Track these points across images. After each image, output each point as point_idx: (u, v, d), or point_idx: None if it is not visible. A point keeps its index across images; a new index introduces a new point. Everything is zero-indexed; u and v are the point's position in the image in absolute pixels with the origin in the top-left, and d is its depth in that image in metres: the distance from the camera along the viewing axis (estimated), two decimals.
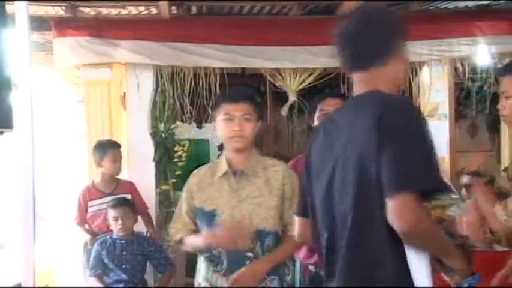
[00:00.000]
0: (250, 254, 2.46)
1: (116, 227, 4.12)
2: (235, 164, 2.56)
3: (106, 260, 4.10)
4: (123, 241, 4.13)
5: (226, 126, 2.52)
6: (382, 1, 5.15)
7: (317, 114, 3.08)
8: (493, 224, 2.19)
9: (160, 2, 4.69)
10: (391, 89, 1.89)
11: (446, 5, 5.32)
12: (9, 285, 3.83)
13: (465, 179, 3.56)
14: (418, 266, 1.69)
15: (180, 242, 2.65)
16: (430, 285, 1.71)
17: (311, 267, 2.87)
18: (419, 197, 1.62)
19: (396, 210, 1.60)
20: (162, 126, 5.22)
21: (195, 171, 2.75)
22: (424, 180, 1.64)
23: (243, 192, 2.52)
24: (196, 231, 2.61)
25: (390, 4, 5.26)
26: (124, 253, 4.12)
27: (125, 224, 4.10)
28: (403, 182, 1.62)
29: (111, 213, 4.14)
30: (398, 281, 1.70)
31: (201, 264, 2.61)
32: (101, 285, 4.05)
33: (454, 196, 4.18)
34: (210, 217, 2.53)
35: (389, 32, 1.93)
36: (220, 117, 2.55)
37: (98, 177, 4.56)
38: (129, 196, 4.46)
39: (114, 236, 4.15)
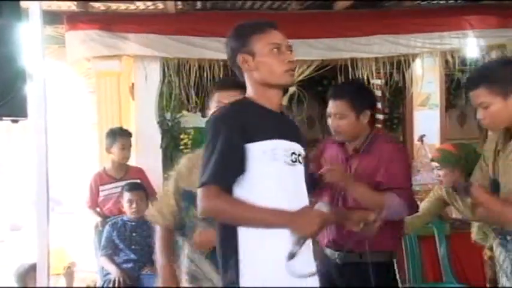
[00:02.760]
0: None
1: (129, 209, 4.13)
2: None
3: (117, 241, 4.11)
4: (133, 223, 4.13)
5: None
6: None
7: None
8: None
9: None
10: (262, 89, 1.97)
11: (438, 0, 5.30)
12: (26, 264, 3.85)
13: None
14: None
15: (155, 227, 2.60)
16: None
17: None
18: (219, 188, 1.85)
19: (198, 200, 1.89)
20: (168, 116, 5.21)
21: (189, 154, 2.70)
22: (213, 177, 1.85)
23: None
24: (176, 213, 2.54)
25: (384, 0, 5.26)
26: (134, 234, 4.13)
27: (139, 208, 4.10)
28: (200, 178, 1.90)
29: (127, 196, 4.14)
30: None
31: (185, 244, 2.56)
32: (111, 265, 4.05)
33: None
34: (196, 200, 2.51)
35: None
36: (213, 105, 2.48)
37: (108, 163, 4.56)
38: (138, 181, 4.46)
39: (125, 218, 4.16)
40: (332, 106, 2.73)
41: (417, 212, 2.75)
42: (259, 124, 1.90)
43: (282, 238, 1.83)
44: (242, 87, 2.43)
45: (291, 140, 1.94)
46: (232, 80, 2.37)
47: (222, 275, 1.93)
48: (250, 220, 1.84)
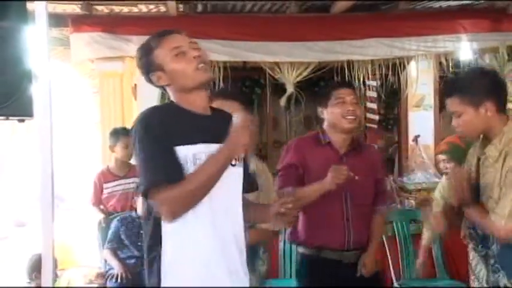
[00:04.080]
0: None
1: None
2: None
3: (123, 236, 4.09)
4: (142, 220, 4.12)
5: None
6: (374, 1, 5.16)
7: (333, 101, 2.74)
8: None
9: (169, 1, 4.67)
10: (183, 96, 1.88)
11: (432, 5, 5.31)
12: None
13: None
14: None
15: None
16: None
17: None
18: (165, 184, 1.73)
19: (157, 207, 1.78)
20: None
21: None
22: (157, 177, 1.74)
23: None
24: None
25: (380, 3, 5.27)
26: (141, 231, 4.11)
27: None
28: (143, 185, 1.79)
29: None
30: None
31: None
32: (114, 259, 4.05)
33: (437, 180, 4.19)
34: None
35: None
36: None
37: (111, 161, 4.57)
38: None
39: (134, 215, 4.14)
40: (350, 92, 2.76)
41: None
42: (181, 129, 1.81)
43: (204, 243, 1.80)
44: (239, 99, 2.50)
45: (221, 142, 1.80)
46: (232, 91, 2.34)
47: (147, 278, 1.87)
48: (208, 180, 1.75)
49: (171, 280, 1.78)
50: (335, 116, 2.71)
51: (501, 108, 2.21)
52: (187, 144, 1.78)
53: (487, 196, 2.18)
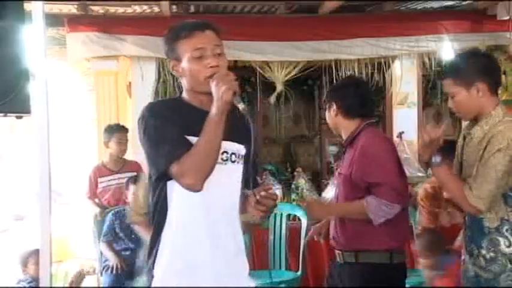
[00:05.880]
0: None
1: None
2: None
3: (118, 229, 4.08)
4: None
5: None
6: (359, 1, 5.18)
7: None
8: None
9: (162, 2, 4.66)
10: (192, 94, 1.83)
11: (416, 6, 5.34)
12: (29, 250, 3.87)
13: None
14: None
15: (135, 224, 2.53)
16: None
17: None
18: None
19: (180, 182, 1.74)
20: None
21: None
22: (172, 156, 1.74)
23: None
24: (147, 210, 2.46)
25: (366, 4, 5.28)
26: None
27: None
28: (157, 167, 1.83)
29: (133, 188, 4.11)
30: None
31: None
32: (110, 252, 4.05)
33: (421, 174, 4.21)
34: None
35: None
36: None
37: (106, 157, 4.56)
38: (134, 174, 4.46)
39: (128, 208, 4.13)
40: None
41: (407, 203, 2.58)
42: (186, 121, 1.77)
43: (197, 240, 1.79)
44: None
45: (224, 140, 1.74)
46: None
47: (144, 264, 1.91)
48: (214, 137, 1.69)
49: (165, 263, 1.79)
50: None
51: (493, 90, 2.18)
52: (192, 135, 1.73)
53: (469, 174, 2.18)
